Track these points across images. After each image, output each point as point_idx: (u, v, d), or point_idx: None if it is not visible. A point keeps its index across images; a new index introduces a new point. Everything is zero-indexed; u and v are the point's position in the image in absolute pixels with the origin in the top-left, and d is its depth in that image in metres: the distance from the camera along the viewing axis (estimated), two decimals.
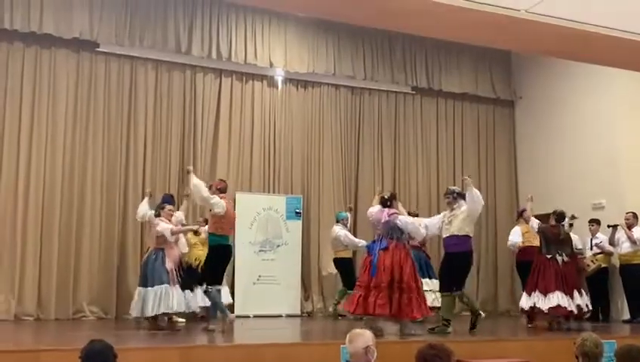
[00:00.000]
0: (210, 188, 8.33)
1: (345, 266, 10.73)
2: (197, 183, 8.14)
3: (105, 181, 10.76)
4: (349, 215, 11.14)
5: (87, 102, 10.80)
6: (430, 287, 10.01)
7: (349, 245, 10.64)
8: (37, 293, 10.05)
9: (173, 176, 11.26)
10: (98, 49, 10.90)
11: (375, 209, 8.28)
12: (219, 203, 8.07)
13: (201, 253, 9.18)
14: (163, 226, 8.45)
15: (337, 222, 10.77)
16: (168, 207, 8.85)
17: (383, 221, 8.06)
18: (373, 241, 8.34)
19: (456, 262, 8.34)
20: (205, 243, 9.02)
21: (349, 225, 11.02)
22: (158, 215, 8.69)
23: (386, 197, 8.37)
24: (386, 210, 8.14)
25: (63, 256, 10.27)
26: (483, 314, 8.25)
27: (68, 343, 6.64)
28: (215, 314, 8.55)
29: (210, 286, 8.10)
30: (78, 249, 10.43)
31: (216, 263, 8.22)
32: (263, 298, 10.93)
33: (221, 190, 8.34)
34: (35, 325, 9.48)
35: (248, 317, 10.56)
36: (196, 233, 9.52)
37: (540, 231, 9.26)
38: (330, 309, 11.12)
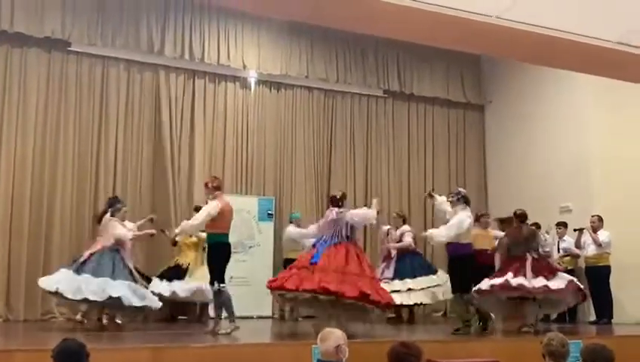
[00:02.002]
0: (206, 186, 8.30)
1: None
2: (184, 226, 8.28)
3: (75, 182, 10.68)
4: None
5: (58, 102, 10.72)
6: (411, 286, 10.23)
7: (301, 239, 10.60)
8: (5, 294, 9.95)
9: (145, 177, 11.22)
10: (70, 48, 10.83)
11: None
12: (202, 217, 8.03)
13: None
14: (122, 231, 8.60)
15: (290, 222, 10.87)
16: (124, 209, 9.05)
17: (329, 219, 8.15)
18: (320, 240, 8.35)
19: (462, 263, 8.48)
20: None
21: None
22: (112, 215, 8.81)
23: (337, 196, 8.46)
24: (335, 209, 8.24)
25: (31, 256, 10.16)
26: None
27: (40, 343, 6.60)
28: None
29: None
30: (47, 249, 10.34)
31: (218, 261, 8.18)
32: (234, 299, 10.83)
33: (217, 187, 8.25)
34: (5, 326, 9.40)
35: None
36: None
37: (504, 238, 9.40)
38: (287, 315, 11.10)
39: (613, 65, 6.94)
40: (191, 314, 10.47)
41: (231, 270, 10.85)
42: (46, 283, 8.38)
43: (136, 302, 8.23)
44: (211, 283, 8.16)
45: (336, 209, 8.24)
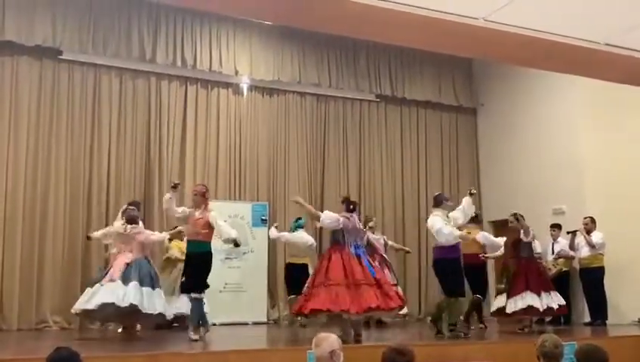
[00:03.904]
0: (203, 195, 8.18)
1: (299, 272, 10.57)
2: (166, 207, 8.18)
3: (68, 190, 10.65)
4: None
5: (49, 110, 10.69)
6: None
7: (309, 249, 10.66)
8: None
9: (137, 185, 11.19)
10: (61, 56, 10.81)
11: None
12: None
13: None
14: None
15: (301, 228, 10.76)
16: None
17: (358, 226, 8.11)
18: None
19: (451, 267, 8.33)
20: None
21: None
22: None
23: (357, 202, 8.48)
24: (354, 215, 8.16)
25: (25, 266, 10.13)
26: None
27: (34, 352, 6.58)
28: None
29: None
30: (41, 258, 10.30)
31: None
32: (229, 306, 10.90)
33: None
34: None
35: (214, 324, 10.51)
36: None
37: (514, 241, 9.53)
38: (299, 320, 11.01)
39: (602, 67, 6.97)
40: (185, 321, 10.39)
41: (225, 276, 11.00)
42: None
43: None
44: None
45: (356, 215, 8.19)
